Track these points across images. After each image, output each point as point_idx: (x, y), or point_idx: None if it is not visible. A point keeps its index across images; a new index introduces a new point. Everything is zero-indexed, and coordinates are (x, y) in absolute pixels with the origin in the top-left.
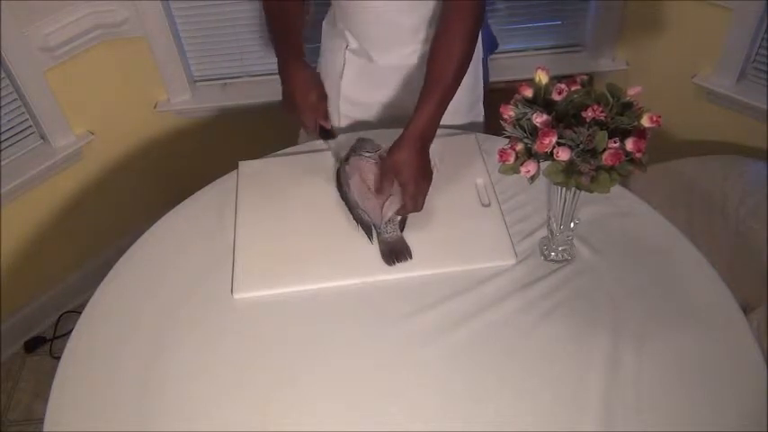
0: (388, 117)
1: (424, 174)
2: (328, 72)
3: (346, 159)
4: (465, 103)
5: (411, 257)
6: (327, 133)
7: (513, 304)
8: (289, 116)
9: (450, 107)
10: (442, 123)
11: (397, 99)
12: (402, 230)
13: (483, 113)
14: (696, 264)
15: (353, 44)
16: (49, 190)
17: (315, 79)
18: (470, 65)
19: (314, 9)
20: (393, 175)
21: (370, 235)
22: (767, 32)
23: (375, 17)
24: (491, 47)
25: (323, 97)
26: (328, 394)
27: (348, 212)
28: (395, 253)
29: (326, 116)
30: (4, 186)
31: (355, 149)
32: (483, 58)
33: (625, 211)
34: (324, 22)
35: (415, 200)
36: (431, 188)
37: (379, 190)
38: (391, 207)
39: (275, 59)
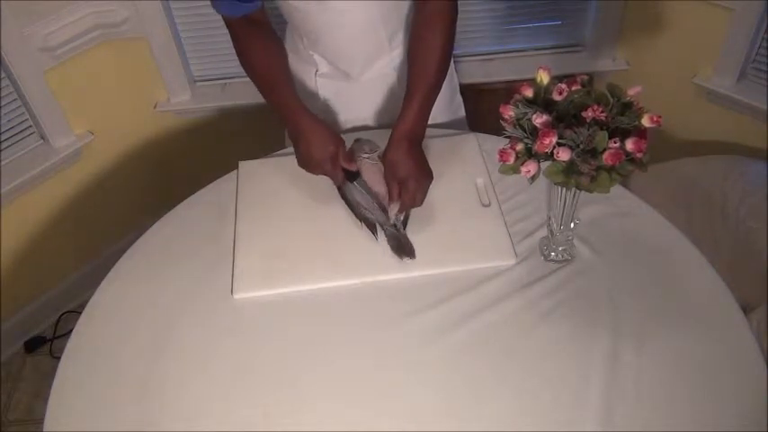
0: (374, 127)
1: (421, 170)
2: (303, 80)
3: None
4: (445, 97)
5: (415, 257)
6: (353, 175)
7: (513, 304)
8: (311, 172)
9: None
10: (432, 122)
11: (380, 110)
12: (405, 228)
13: (463, 106)
14: (696, 264)
15: (324, 68)
16: (49, 190)
17: (327, 129)
18: None
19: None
20: (391, 176)
21: (374, 232)
22: (767, 32)
23: (352, 34)
24: None
25: (340, 144)
26: (328, 394)
27: (350, 212)
28: (402, 247)
29: (348, 158)
30: (4, 186)
31: (353, 151)
32: None
33: (625, 211)
34: (287, 49)
35: (412, 196)
36: (431, 187)
37: (392, 195)
38: (393, 207)
39: None
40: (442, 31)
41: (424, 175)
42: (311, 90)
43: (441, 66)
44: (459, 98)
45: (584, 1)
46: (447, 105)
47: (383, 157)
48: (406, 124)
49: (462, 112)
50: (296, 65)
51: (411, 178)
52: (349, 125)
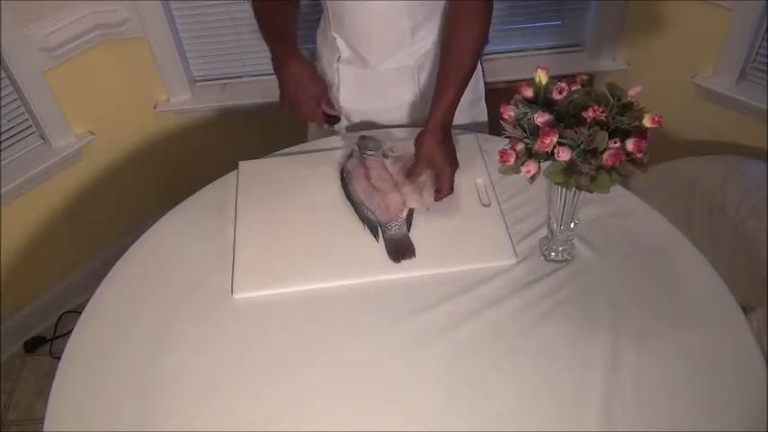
0: (391, 120)
1: (453, 158)
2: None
3: (349, 158)
4: (466, 101)
5: (415, 255)
6: (334, 119)
7: (513, 304)
8: (289, 113)
9: None
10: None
11: (398, 102)
12: (409, 229)
13: (486, 112)
14: (696, 264)
15: (345, 53)
16: (48, 190)
17: (311, 72)
18: None
19: (305, 12)
20: (427, 165)
21: (375, 233)
22: (767, 32)
23: (375, 21)
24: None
25: (323, 86)
26: (328, 394)
27: (353, 211)
28: (400, 250)
29: (330, 103)
30: (4, 186)
31: (358, 147)
32: None
33: (625, 211)
34: (317, 34)
35: (450, 183)
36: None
37: (412, 176)
38: (408, 201)
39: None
40: (479, 26)
41: (454, 164)
42: (333, 76)
43: (474, 58)
44: (483, 104)
45: (585, 1)
46: (469, 109)
47: (419, 146)
48: (441, 113)
49: (484, 117)
50: (322, 49)
51: (447, 167)
52: (366, 115)
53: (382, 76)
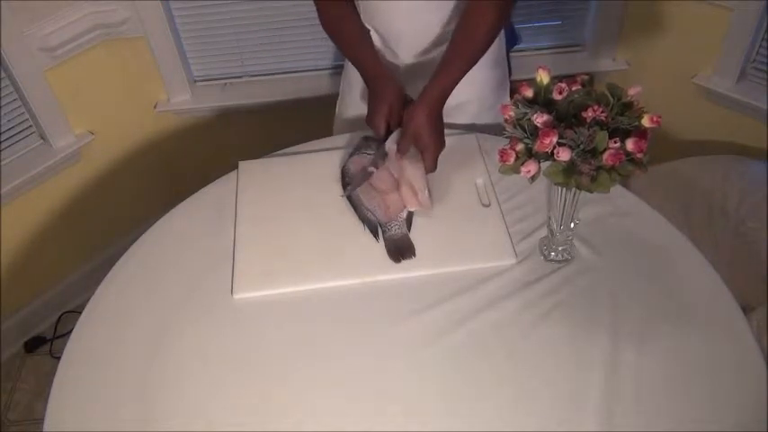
0: None
1: (440, 137)
2: (355, 76)
3: (350, 157)
4: (489, 101)
5: (415, 255)
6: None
7: (513, 304)
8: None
9: (476, 103)
10: (471, 122)
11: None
12: (409, 229)
13: None
14: (696, 264)
15: (378, 43)
16: (49, 190)
17: (390, 95)
18: (498, 60)
19: None
20: (413, 141)
21: (375, 233)
22: (767, 32)
23: (404, 15)
24: (512, 42)
25: (393, 102)
26: (328, 394)
27: (353, 211)
28: (400, 250)
29: (397, 120)
30: (4, 186)
31: (359, 148)
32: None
33: (625, 211)
34: None
35: (436, 161)
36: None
37: (402, 151)
38: (407, 203)
39: (275, 59)
40: (487, 24)
41: (442, 139)
42: None
43: (489, 35)
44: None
45: (585, 1)
46: (489, 107)
47: (411, 118)
48: (440, 86)
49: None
50: None
51: (432, 145)
52: None
53: (412, 69)
